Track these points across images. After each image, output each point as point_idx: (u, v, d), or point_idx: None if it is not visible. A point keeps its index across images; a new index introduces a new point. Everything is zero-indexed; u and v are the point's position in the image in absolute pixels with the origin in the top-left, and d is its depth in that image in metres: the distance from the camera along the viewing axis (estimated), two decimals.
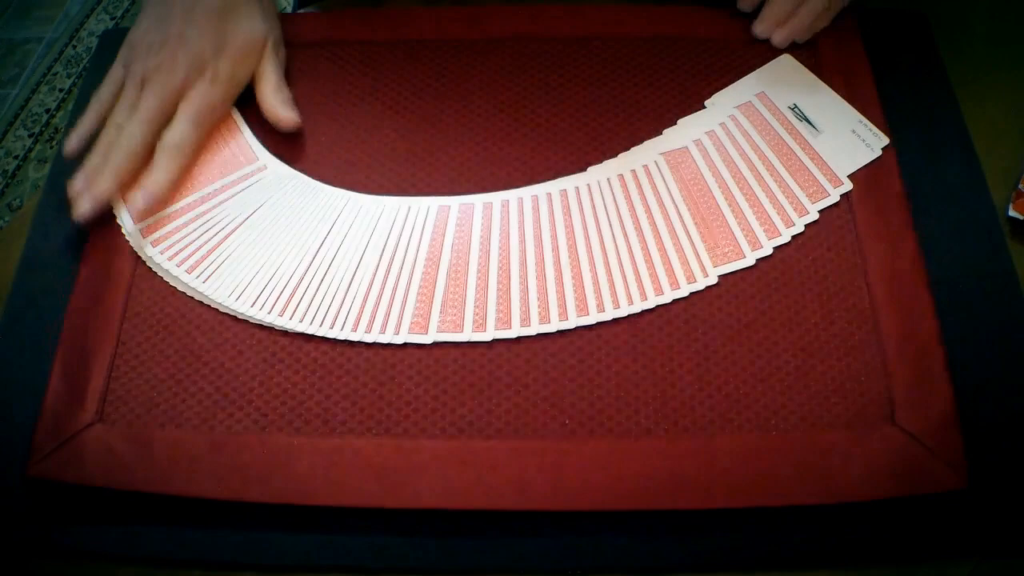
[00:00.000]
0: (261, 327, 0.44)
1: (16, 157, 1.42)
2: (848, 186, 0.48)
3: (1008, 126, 0.51)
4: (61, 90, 1.50)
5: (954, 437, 0.40)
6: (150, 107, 0.48)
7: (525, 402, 0.42)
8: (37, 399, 0.42)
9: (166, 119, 0.49)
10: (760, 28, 0.54)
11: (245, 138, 0.51)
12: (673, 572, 0.39)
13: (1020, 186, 0.47)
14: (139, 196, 0.47)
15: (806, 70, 0.52)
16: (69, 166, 0.48)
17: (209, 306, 0.45)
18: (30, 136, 1.45)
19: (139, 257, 0.47)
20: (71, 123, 0.52)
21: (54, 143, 1.43)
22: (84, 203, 0.47)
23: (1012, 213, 0.47)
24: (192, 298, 0.45)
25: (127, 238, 0.47)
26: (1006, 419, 0.41)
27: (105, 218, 0.48)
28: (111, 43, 0.57)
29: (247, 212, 0.48)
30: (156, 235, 0.47)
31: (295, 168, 0.50)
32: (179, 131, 0.48)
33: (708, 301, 0.44)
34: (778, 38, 0.53)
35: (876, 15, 0.55)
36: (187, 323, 0.45)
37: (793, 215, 0.47)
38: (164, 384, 0.43)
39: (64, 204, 0.47)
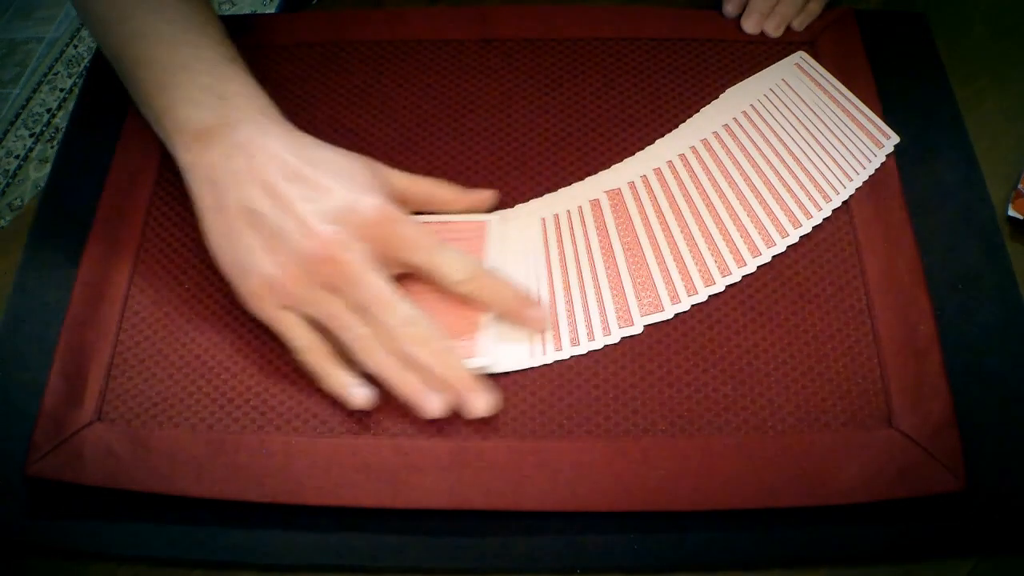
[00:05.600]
0: (260, 327, 0.44)
1: (17, 157, 1.43)
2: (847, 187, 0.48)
3: (1008, 126, 0.51)
4: (62, 90, 1.50)
5: (952, 439, 0.40)
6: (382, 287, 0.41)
7: (525, 402, 0.42)
8: (36, 398, 0.42)
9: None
10: (748, 24, 0.54)
11: None
12: (672, 572, 0.39)
13: (1020, 186, 0.47)
14: None
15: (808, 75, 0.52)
16: (69, 166, 0.48)
17: (208, 305, 0.45)
18: (31, 136, 1.45)
19: (138, 257, 0.47)
20: (72, 123, 0.52)
21: (55, 143, 1.43)
22: None
23: (1012, 213, 0.47)
24: (191, 297, 0.45)
25: None
26: (1004, 420, 0.41)
27: (104, 218, 0.48)
28: None
29: None
30: None
31: None
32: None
33: (707, 302, 0.44)
34: (770, 27, 0.53)
35: (876, 15, 0.55)
36: (186, 323, 0.45)
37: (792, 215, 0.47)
38: (163, 383, 0.43)
39: (64, 204, 0.47)
